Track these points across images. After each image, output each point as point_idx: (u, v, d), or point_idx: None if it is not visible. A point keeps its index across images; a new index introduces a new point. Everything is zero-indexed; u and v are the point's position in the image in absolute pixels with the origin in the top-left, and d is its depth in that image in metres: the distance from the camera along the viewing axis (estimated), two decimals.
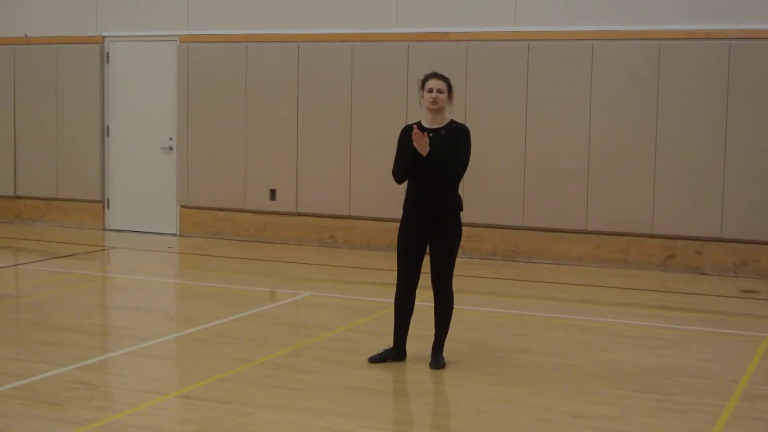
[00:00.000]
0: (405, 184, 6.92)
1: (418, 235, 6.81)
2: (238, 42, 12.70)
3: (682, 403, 6.22)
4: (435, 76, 6.76)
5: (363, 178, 12.09)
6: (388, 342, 7.07)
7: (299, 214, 12.56)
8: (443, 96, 6.71)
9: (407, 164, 6.71)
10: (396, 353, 6.99)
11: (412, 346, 7.06)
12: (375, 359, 6.96)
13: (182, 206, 13.20)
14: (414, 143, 6.58)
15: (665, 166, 10.92)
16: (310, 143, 12.41)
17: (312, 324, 8.50)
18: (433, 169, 6.63)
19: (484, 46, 11.56)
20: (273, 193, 12.63)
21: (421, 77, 6.84)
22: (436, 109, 6.72)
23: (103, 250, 12.45)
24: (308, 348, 7.51)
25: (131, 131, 13.51)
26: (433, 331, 6.97)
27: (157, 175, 13.36)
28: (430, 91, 6.70)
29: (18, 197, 14.18)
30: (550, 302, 9.41)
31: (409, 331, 6.98)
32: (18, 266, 11.16)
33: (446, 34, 11.72)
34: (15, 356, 7.31)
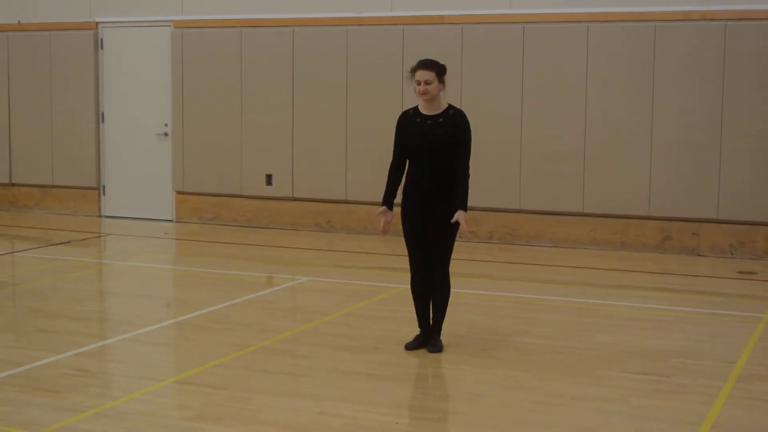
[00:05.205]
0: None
1: (419, 217, 6.80)
2: (232, 27, 12.65)
3: (680, 384, 6.23)
4: (421, 66, 6.74)
5: (359, 163, 12.06)
6: (386, 326, 7.07)
7: (295, 199, 12.54)
8: (432, 86, 6.71)
9: None
10: (424, 338, 6.98)
11: (409, 330, 7.06)
12: (411, 347, 6.92)
13: (178, 192, 13.18)
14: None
15: (661, 147, 10.90)
16: (305, 128, 12.37)
17: (309, 309, 8.50)
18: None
19: (479, 29, 11.52)
20: (269, 178, 12.61)
21: (410, 67, 6.83)
22: (428, 99, 6.75)
23: (99, 236, 12.43)
24: (306, 333, 7.51)
25: (126, 117, 13.46)
26: (431, 315, 6.97)
27: (153, 161, 13.33)
28: (419, 83, 6.72)
29: (13, 185, 14.15)
30: (547, 285, 9.41)
31: (407, 315, 6.97)
32: (14, 254, 11.15)
33: (441, 17, 11.68)
34: (12, 344, 7.29)
